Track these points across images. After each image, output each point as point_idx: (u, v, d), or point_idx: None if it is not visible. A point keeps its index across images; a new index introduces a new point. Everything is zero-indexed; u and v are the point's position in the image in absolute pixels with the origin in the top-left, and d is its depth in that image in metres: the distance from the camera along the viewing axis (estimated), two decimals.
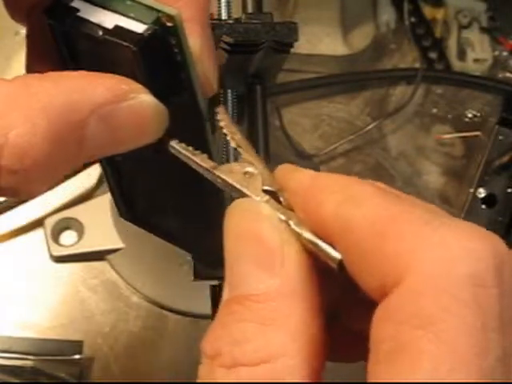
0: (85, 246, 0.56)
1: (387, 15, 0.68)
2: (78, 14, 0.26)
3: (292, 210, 0.26)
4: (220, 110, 0.29)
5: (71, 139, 0.25)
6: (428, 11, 0.68)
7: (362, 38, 0.67)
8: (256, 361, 0.22)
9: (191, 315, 0.55)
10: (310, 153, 0.62)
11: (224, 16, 0.40)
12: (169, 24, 0.26)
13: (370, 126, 0.63)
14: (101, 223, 0.56)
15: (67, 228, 0.57)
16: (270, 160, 0.42)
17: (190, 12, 0.28)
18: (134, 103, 0.26)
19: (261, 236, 0.24)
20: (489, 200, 0.59)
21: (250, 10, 0.42)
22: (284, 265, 0.24)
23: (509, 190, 0.59)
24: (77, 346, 0.53)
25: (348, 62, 0.67)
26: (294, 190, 0.26)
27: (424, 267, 0.21)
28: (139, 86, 0.26)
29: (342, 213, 0.23)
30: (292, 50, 0.40)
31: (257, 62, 0.40)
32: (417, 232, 0.22)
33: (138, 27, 0.26)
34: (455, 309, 0.20)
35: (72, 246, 0.56)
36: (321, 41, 0.66)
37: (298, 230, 0.25)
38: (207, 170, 0.27)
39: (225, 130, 0.29)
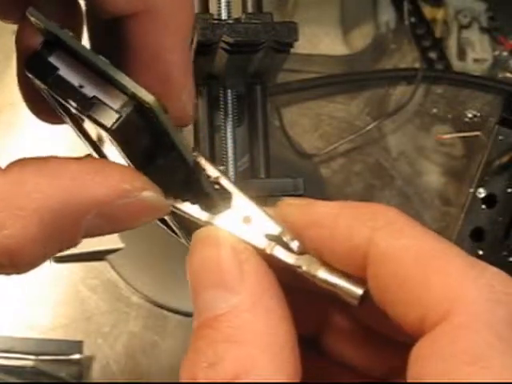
0: (85, 246, 0.56)
1: (387, 15, 0.68)
2: (58, 72, 0.24)
3: (303, 251, 0.25)
4: (199, 156, 0.28)
5: (65, 234, 0.24)
6: (428, 11, 0.68)
7: (361, 38, 0.67)
8: (230, 377, 0.23)
9: (191, 315, 0.55)
10: (310, 153, 0.62)
11: (224, 16, 0.40)
12: (146, 106, 0.24)
13: (369, 126, 0.63)
14: None
15: None
16: (270, 160, 0.42)
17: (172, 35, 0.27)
18: (135, 201, 0.25)
19: (219, 260, 0.25)
20: (489, 200, 0.59)
21: (249, 9, 0.42)
22: (243, 281, 0.24)
23: (509, 190, 0.59)
24: (77, 346, 0.53)
25: (348, 62, 0.67)
26: (318, 222, 0.25)
27: (472, 306, 0.22)
28: (141, 185, 0.25)
29: (380, 241, 0.23)
30: (292, 50, 0.40)
31: (257, 62, 0.40)
32: (464, 271, 0.22)
33: (117, 101, 0.24)
34: (501, 346, 0.21)
35: None
36: (321, 41, 0.66)
37: (312, 272, 0.25)
38: (204, 222, 0.26)
39: (209, 173, 0.28)
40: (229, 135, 0.40)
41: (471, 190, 0.59)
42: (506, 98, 0.64)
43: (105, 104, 0.24)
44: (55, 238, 0.24)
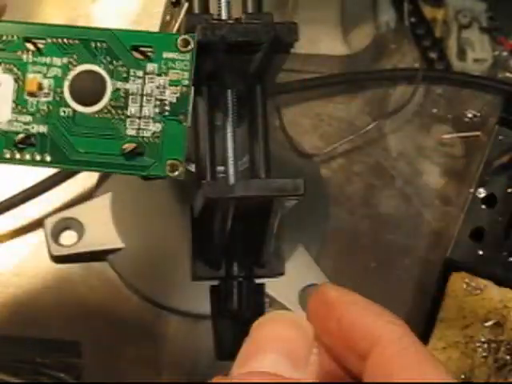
0: (85, 246, 0.56)
1: (387, 15, 0.68)
2: None
3: None
4: None
5: None
6: (428, 11, 0.68)
7: (361, 38, 0.67)
8: None
9: (191, 315, 0.55)
10: (310, 153, 0.62)
11: (224, 16, 0.40)
12: None
13: (369, 126, 0.63)
14: (101, 223, 0.56)
15: (67, 228, 0.57)
16: (270, 160, 0.42)
17: None
18: None
19: (296, 337, 0.26)
20: (489, 200, 0.59)
21: (250, 9, 0.41)
22: (308, 367, 0.25)
23: (509, 190, 0.59)
24: (75, 346, 0.53)
25: (348, 62, 0.67)
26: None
27: None
28: None
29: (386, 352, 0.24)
30: (292, 50, 0.40)
31: (257, 62, 0.40)
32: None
33: None
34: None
35: (72, 246, 0.56)
36: (321, 41, 0.66)
37: None
38: None
39: None
40: (229, 135, 0.40)
41: (471, 190, 0.59)
42: (506, 98, 0.64)
43: None
44: None
